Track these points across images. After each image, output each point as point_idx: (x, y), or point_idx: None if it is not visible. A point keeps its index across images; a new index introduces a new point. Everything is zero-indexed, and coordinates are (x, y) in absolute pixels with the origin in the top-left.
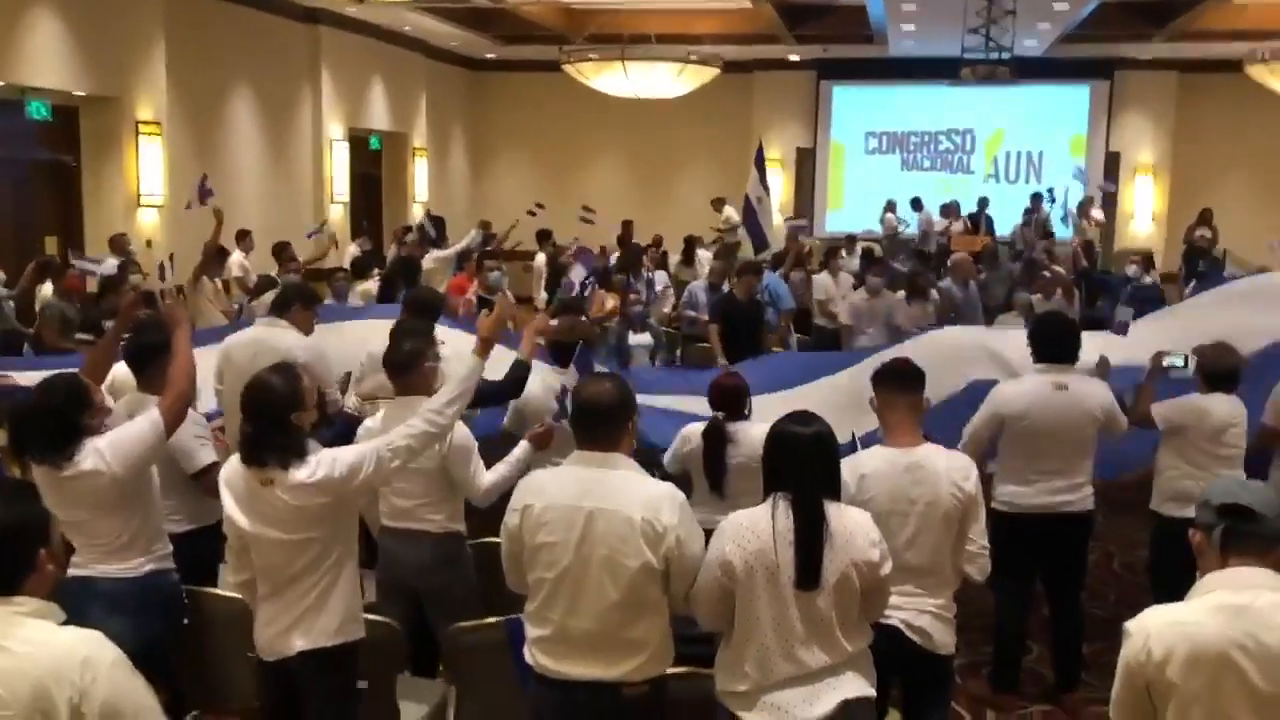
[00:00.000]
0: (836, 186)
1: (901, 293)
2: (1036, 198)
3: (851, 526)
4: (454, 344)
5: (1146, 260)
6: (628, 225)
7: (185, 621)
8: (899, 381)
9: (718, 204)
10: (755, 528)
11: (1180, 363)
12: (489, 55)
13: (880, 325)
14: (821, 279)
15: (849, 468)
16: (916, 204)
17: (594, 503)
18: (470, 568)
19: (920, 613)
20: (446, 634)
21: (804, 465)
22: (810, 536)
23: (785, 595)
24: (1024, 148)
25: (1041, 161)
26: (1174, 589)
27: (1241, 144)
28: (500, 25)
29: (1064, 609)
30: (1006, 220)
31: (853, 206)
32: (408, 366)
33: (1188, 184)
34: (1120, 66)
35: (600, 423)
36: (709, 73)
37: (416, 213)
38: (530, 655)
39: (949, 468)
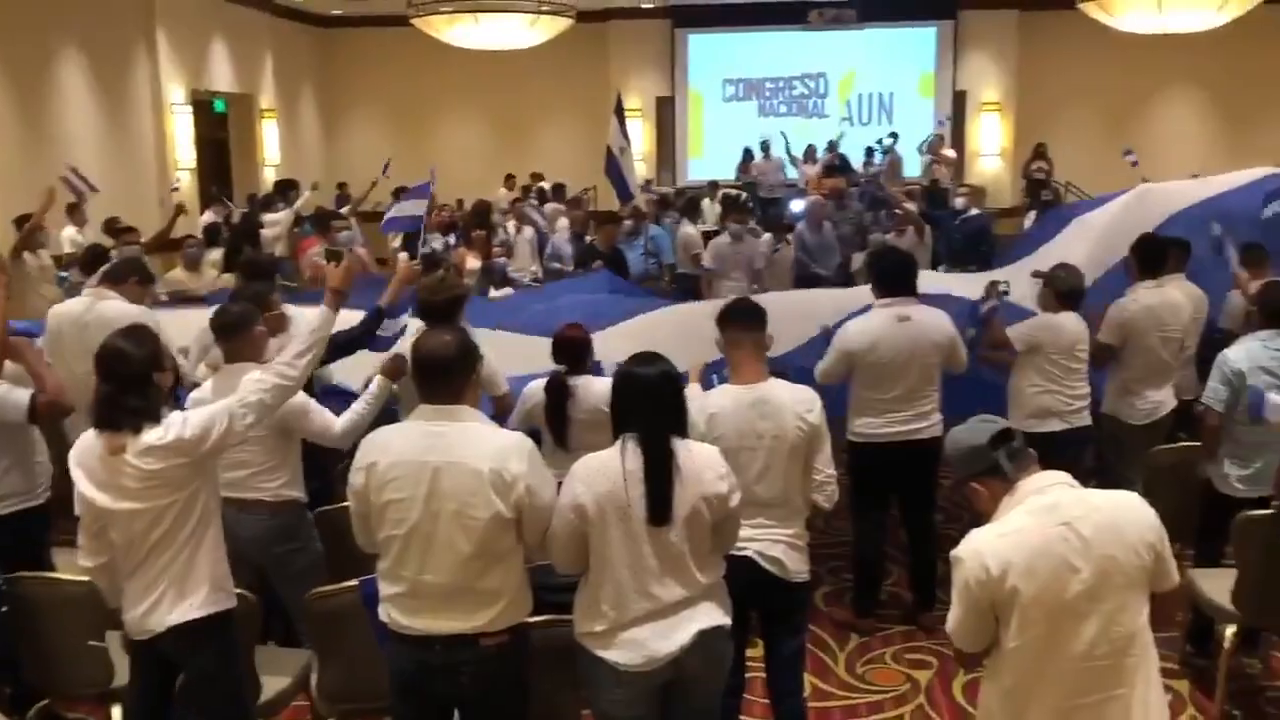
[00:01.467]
0: (696, 135)
1: (768, 235)
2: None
3: (700, 461)
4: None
5: (975, 193)
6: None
7: (5, 609)
8: (743, 320)
9: None
10: (605, 469)
11: (1005, 287)
12: (336, 11)
13: (744, 270)
14: (686, 227)
15: (697, 407)
16: (765, 148)
17: (440, 457)
18: (313, 536)
19: (774, 542)
20: (305, 600)
21: (650, 404)
22: (659, 473)
23: (638, 533)
24: (875, 89)
25: (893, 102)
26: None
27: (1080, 79)
28: None
29: (919, 533)
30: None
31: (713, 154)
32: (234, 330)
33: (1031, 120)
34: (964, 5)
35: (441, 376)
36: (562, 23)
37: (269, 176)
38: (385, 613)
39: (793, 400)
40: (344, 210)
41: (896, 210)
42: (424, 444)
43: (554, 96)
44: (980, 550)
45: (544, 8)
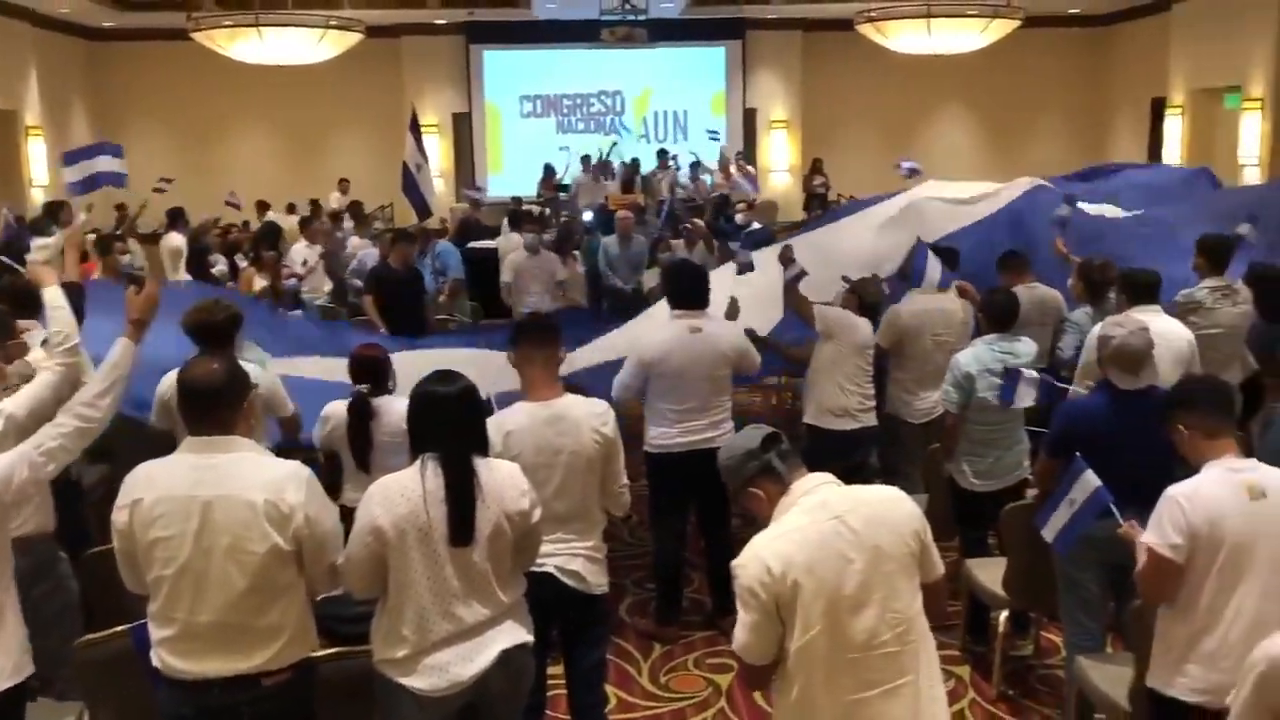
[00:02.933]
0: (495, 150)
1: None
2: (663, 154)
3: (501, 479)
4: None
5: (766, 207)
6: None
7: None
8: (535, 337)
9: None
10: (404, 490)
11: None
12: (108, 24)
13: (544, 283)
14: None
15: (494, 426)
16: (550, 169)
17: (211, 490)
18: (67, 576)
19: (573, 556)
20: (72, 648)
21: (449, 423)
22: (461, 493)
23: (439, 554)
24: (670, 107)
25: (687, 119)
26: None
27: (861, 97)
28: None
29: (716, 539)
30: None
31: (512, 169)
32: None
33: (817, 137)
34: (750, 27)
35: (209, 406)
36: (351, 38)
37: (36, 198)
38: (157, 658)
39: (589, 414)
40: (119, 231)
41: (685, 225)
42: (193, 477)
43: (348, 112)
44: (760, 554)
45: (332, 23)
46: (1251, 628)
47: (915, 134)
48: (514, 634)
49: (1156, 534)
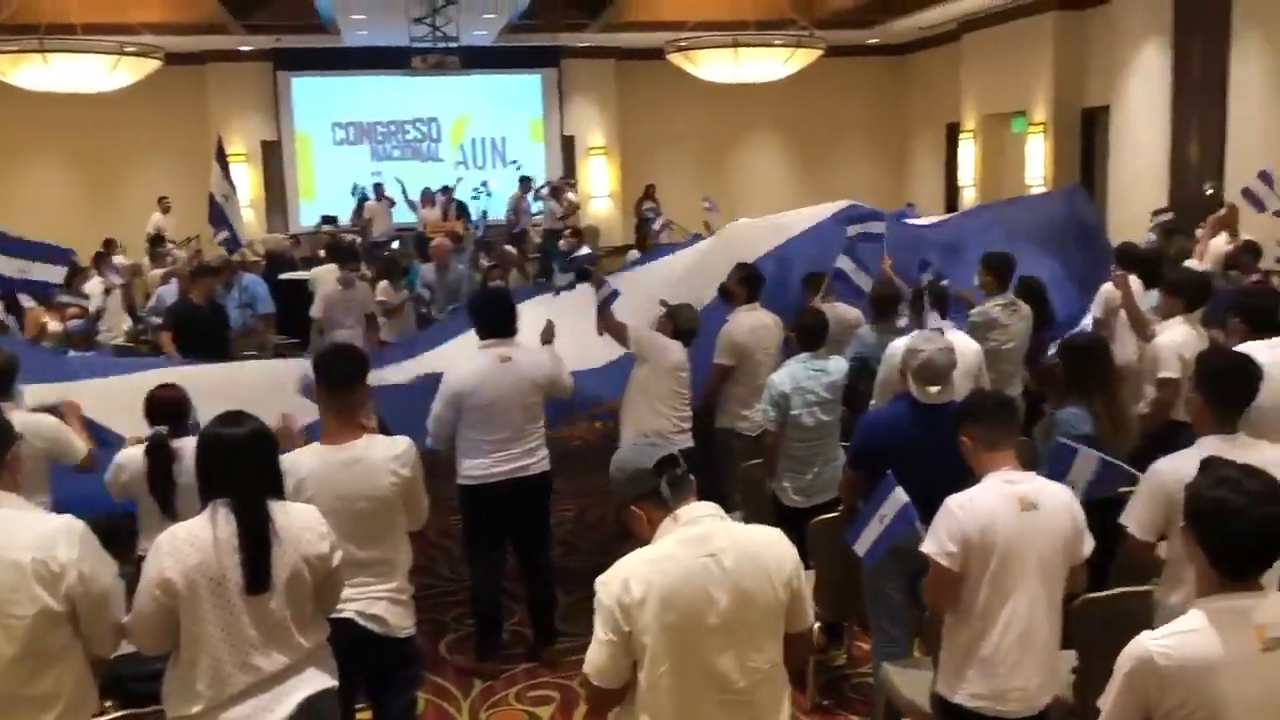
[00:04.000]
0: (307, 178)
1: (384, 283)
2: (525, 180)
3: (298, 523)
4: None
5: (576, 233)
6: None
7: None
8: (336, 376)
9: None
10: (194, 539)
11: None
12: None
13: (357, 315)
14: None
15: (286, 471)
16: (378, 191)
17: None
18: None
19: (374, 600)
20: None
21: (241, 467)
22: (255, 540)
23: (234, 603)
24: (488, 134)
25: (505, 146)
26: None
27: (676, 124)
28: None
29: (535, 569)
30: (476, 205)
31: (326, 198)
32: None
33: (636, 163)
34: (566, 55)
35: None
36: (149, 64)
37: None
38: None
39: (387, 457)
40: None
41: (500, 253)
42: None
43: (149, 141)
44: (625, 574)
45: (128, 49)
46: (1023, 635)
47: (729, 158)
48: (317, 680)
49: (933, 543)
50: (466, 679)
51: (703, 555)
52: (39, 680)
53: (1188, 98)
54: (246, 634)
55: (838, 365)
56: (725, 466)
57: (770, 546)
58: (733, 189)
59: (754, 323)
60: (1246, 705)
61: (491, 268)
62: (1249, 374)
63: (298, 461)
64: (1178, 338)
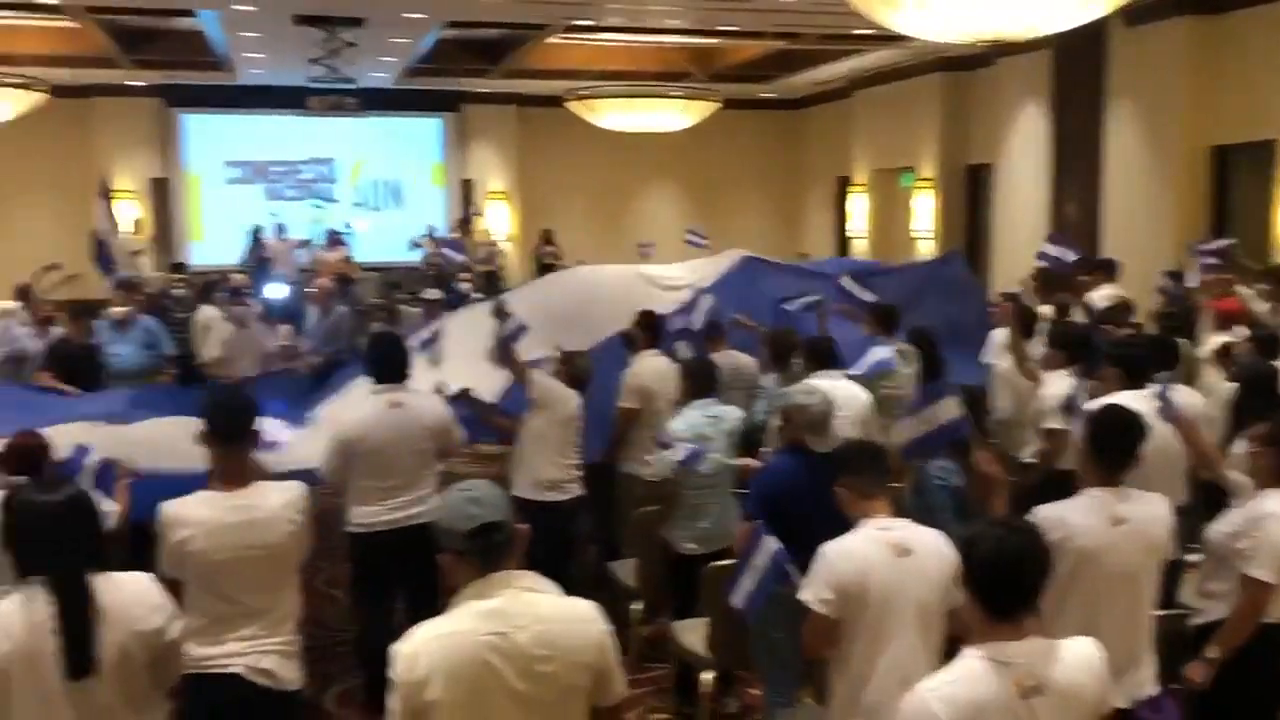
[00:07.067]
0: (196, 217)
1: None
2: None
3: (127, 597)
4: None
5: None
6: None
7: None
8: (224, 418)
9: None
10: (5, 623)
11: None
12: None
13: (253, 355)
14: (203, 313)
15: (172, 520)
16: (256, 233)
17: None
18: None
19: (263, 654)
20: None
21: (57, 539)
22: (75, 620)
23: (53, 691)
24: (386, 176)
25: (403, 189)
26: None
27: (576, 170)
28: None
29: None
30: (377, 247)
31: (217, 238)
32: None
33: (535, 207)
34: (466, 100)
35: None
36: (34, 98)
37: None
38: None
39: (283, 504)
40: None
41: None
42: None
43: (31, 177)
44: (416, 650)
45: (9, 81)
46: (903, 681)
47: (628, 206)
48: None
49: (810, 590)
50: None
51: (493, 631)
52: None
53: (1066, 158)
54: None
55: (734, 412)
56: (626, 511)
57: (573, 625)
58: (630, 236)
59: (658, 367)
60: None
61: (378, 308)
62: (1134, 431)
63: (185, 512)
64: (1062, 389)
